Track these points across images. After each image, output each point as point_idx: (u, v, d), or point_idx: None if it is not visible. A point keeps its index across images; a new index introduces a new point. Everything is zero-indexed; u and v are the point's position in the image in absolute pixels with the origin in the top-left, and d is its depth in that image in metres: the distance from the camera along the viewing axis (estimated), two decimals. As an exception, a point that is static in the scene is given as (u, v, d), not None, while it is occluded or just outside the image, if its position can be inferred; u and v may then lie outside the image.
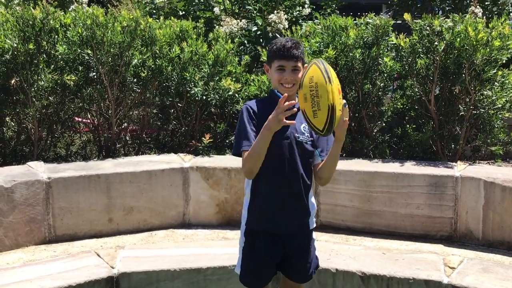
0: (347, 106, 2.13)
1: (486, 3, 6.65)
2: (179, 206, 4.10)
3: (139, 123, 4.84)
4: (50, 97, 4.26)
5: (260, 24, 5.74)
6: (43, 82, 4.14)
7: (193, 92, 4.46)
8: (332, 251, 3.44)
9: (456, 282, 3.00)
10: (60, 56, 4.21)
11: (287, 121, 2.05)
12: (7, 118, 4.57)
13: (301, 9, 6.17)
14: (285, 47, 2.26)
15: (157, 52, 4.53)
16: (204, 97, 4.46)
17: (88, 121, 4.81)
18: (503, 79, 4.20)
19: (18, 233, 3.61)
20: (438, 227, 3.84)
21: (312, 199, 2.43)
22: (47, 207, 3.71)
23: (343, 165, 4.05)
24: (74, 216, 3.79)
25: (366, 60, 4.30)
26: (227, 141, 4.79)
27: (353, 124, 4.57)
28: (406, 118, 4.64)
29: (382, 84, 4.42)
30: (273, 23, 5.40)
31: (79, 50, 4.19)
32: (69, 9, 5.15)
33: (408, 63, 4.30)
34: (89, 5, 5.21)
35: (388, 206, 3.91)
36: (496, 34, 4.03)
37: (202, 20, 5.16)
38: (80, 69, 4.32)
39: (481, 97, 4.20)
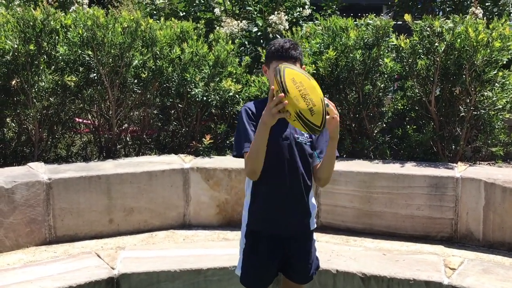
0: (330, 104, 2.14)
1: (487, 4, 6.65)
2: (180, 207, 4.10)
3: (139, 124, 4.84)
4: (50, 98, 4.27)
5: (261, 25, 5.75)
6: (43, 83, 4.14)
7: (193, 93, 4.46)
8: (333, 252, 3.44)
9: (457, 283, 3.00)
10: (60, 57, 4.22)
11: (282, 114, 2.03)
12: (8, 119, 4.58)
13: (301, 10, 6.17)
14: (284, 48, 2.27)
15: (158, 53, 4.54)
16: (205, 98, 4.47)
17: (89, 122, 4.81)
18: (504, 80, 4.20)
19: (18, 234, 3.61)
20: (438, 228, 3.84)
21: (313, 200, 2.43)
22: (47, 208, 3.71)
23: (344, 166, 4.05)
24: (75, 217, 3.80)
25: (367, 61, 4.30)
26: (227, 142, 4.79)
27: (353, 125, 4.58)
28: (407, 119, 4.63)
29: (382, 85, 4.42)
30: (273, 24, 5.40)
31: (80, 51, 4.20)
32: (70, 10, 5.16)
33: (408, 64, 4.30)
34: (89, 6, 5.22)
35: (388, 207, 3.91)
36: (496, 35, 4.03)
37: (203, 21, 5.16)
38: (80, 70, 4.32)
39: (482, 98, 4.20)
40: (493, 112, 4.25)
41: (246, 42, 5.73)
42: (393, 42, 4.32)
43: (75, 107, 4.54)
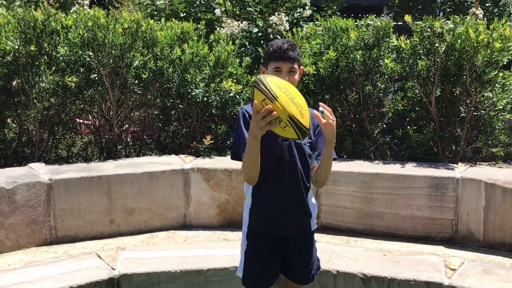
0: (325, 110, 2.15)
1: (487, 4, 6.65)
2: (180, 207, 4.10)
3: (140, 125, 4.85)
4: (51, 99, 4.27)
5: (261, 25, 5.75)
6: (44, 84, 4.15)
7: (194, 93, 4.46)
8: (333, 253, 3.44)
9: (457, 283, 3.00)
10: (61, 58, 4.22)
11: (271, 125, 2.02)
12: (9, 120, 4.58)
13: (302, 10, 6.17)
14: (282, 49, 2.27)
15: (158, 53, 4.54)
16: (205, 99, 4.47)
17: (89, 122, 4.82)
18: (504, 81, 4.20)
19: (19, 235, 3.61)
20: (439, 229, 3.84)
21: (313, 200, 2.44)
22: (48, 208, 3.72)
23: (344, 166, 4.05)
24: (75, 217, 3.80)
25: (367, 62, 4.30)
26: (228, 143, 4.79)
27: (354, 126, 4.58)
28: (407, 119, 4.64)
29: (383, 86, 4.43)
30: (274, 24, 5.40)
31: (81, 52, 4.20)
32: (71, 11, 5.17)
33: (409, 64, 4.30)
34: (90, 7, 5.23)
35: (389, 207, 3.91)
36: (497, 36, 4.03)
37: (203, 22, 5.17)
38: (81, 70, 4.32)
39: (482, 98, 4.21)
40: (493, 113, 4.25)
41: (247, 43, 5.73)
42: (393, 42, 4.32)
43: (76, 108, 4.54)
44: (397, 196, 3.88)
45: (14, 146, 4.53)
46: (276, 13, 5.50)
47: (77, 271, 3.15)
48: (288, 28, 5.38)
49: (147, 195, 3.98)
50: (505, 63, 4.16)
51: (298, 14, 6.17)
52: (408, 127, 4.45)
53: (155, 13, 6.38)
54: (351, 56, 4.29)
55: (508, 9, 6.71)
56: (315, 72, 4.36)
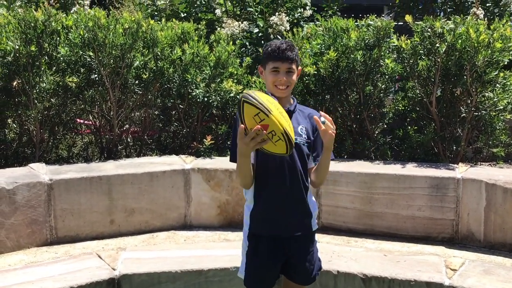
0: (326, 120, 2.18)
1: (488, 4, 6.64)
2: (181, 207, 4.10)
3: (140, 125, 4.85)
4: (52, 99, 4.27)
5: (262, 26, 5.75)
6: (45, 84, 4.15)
7: (194, 93, 4.46)
8: (334, 253, 3.44)
9: (458, 284, 3.00)
10: (62, 58, 4.22)
11: (262, 143, 2.05)
12: (9, 120, 4.59)
13: (302, 11, 6.17)
14: (280, 49, 2.28)
15: (159, 54, 4.54)
16: (206, 99, 4.47)
17: (90, 122, 4.82)
18: (505, 81, 4.19)
19: (19, 235, 3.62)
20: (439, 229, 3.83)
21: (313, 200, 2.44)
22: (48, 208, 3.72)
23: (344, 166, 4.05)
24: (76, 217, 3.80)
25: (368, 62, 4.30)
26: (228, 143, 4.78)
27: (354, 126, 4.58)
28: (408, 119, 4.63)
29: (383, 86, 4.42)
30: (274, 25, 5.40)
31: (81, 52, 4.21)
32: (71, 11, 5.17)
33: (409, 64, 4.30)
34: (91, 7, 5.23)
35: (389, 207, 3.91)
36: (497, 36, 4.03)
37: (204, 22, 5.17)
38: (82, 71, 4.32)
39: (483, 98, 4.20)
40: (494, 113, 4.25)
41: (247, 43, 5.73)
42: (394, 43, 4.32)
43: (76, 108, 4.54)
44: (397, 196, 3.88)
45: (14, 146, 4.54)
46: (277, 13, 5.51)
47: (78, 271, 3.15)
48: (288, 28, 5.38)
49: (148, 195, 3.98)
50: (505, 63, 4.15)
51: (299, 14, 6.17)
52: (409, 127, 4.45)
53: (156, 13, 6.39)
54: (352, 56, 4.29)
55: (508, 9, 6.70)
56: (316, 72, 4.36)
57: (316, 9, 6.53)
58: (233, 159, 2.31)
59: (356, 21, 4.63)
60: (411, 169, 3.97)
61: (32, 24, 4.13)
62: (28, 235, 3.65)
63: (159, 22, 4.92)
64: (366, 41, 4.36)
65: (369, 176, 3.92)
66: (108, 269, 3.19)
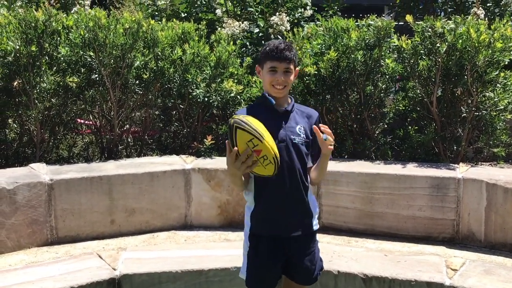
0: (327, 138, 2.22)
1: (488, 4, 6.64)
2: (181, 207, 4.10)
3: (141, 125, 4.85)
4: (52, 99, 4.27)
5: (262, 26, 5.75)
6: (45, 84, 4.15)
7: (195, 93, 4.46)
8: (334, 253, 3.43)
9: (458, 284, 3.00)
10: (62, 58, 4.23)
11: (250, 167, 2.11)
12: (10, 120, 4.59)
13: (303, 11, 6.17)
14: (278, 49, 2.28)
15: (159, 54, 4.54)
16: (206, 99, 4.47)
17: (90, 122, 4.82)
18: (505, 81, 4.19)
19: (20, 235, 3.62)
20: (440, 229, 3.83)
21: (313, 198, 2.44)
22: (49, 208, 3.72)
23: (345, 166, 4.05)
24: (76, 217, 3.80)
25: (368, 62, 4.30)
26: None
27: (355, 126, 4.58)
28: (408, 119, 4.63)
29: (384, 86, 4.42)
30: (275, 25, 5.41)
31: (82, 52, 4.21)
32: (72, 11, 5.17)
33: (410, 64, 4.30)
34: (91, 7, 5.23)
35: (390, 207, 3.91)
36: (498, 36, 4.03)
37: (204, 22, 5.17)
38: (82, 71, 4.32)
39: (483, 98, 4.20)
40: (494, 113, 4.24)
41: (248, 43, 5.74)
42: (394, 42, 4.32)
43: (77, 108, 4.55)
44: (398, 196, 3.88)
45: (15, 146, 4.54)
46: (277, 13, 5.51)
47: (78, 271, 3.15)
48: (289, 28, 5.38)
49: (148, 195, 3.98)
50: (506, 63, 4.15)
51: (299, 14, 6.18)
52: (409, 127, 4.44)
53: (156, 13, 6.39)
54: (352, 56, 4.29)
55: (509, 9, 6.69)
56: (316, 72, 4.36)
57: (316, 9, 6.53)
58: None
59: (357, 21, 4.63)
60: (412, 169, 3.97)
61: (33, 24, 4.13)
62: (29, 235, 3.65)
63: (159, 22, 4.93)
64: (367, 41, 4.36)
65: (370, 176, 3.92)
66: (108, 269, 3.19)
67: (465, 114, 4.27)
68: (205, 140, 4.46)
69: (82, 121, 4.93)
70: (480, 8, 4.93)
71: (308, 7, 6.17)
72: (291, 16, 6.04)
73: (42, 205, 3.68)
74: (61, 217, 3.76)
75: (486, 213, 3.68)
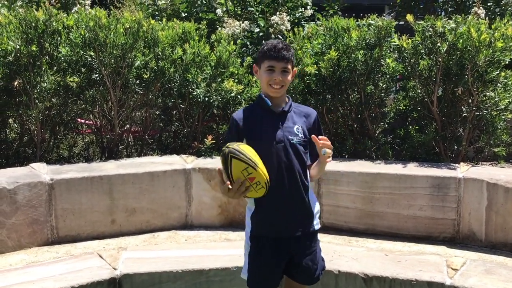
0: (325, 152, 2.26)
1: (489, 4, 6.63)
2: (182, 207, 4.10)
3: (141, 125, 4.85)
4: (53, 99, 4.27)
5: (263, 25, 5.75)
6: (45, 84, 4.15)
7: (195, 93, 4.46)
8: (335, 253, 3.43)
9: (459, 283, 3.00)
10: (62, 58, 4.22)
11: (243, 193, 2.17)
12: (10, 120, 4.59)
13: (303, 10, 6.17)
14: (276, 48, 2.28)
15: (160, 53, 4.54)
16: (207, 99, 4.47)
17: (91, 122, 4.82)
18: (506, 80, 4.19)
19: (20, 235, 3.62)
20: (441, 229, 3.83)
21: (314, 198, 2.44)
22: (49, 208, 3.72)
23: (346, 166, 4.05)
24: (77, 217, 3.80)
25: (369, 62, 4.30)
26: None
27: (355, 126, 4.58)
28: (409, 119, 4.63)
29: (384, 86, 4.42)
30: (275, 24, 5.40)
31: (82, 52, 4.21)
32: (72, 11, 5.17)
33: (410, 64, 4.29)
34: (91, 7, 5.23)
35: (390, 207, 3.90)
36: (499, 35, 4.02)
37: (205, 22, 5.16)
38: (82, 70, 4.33)
39: (484, 98, 4.19)
40: (495, 113, 4.24)
41: (248, 43, 5.73)
42: (395, 42, 4.31)
43: (77, 108, 4.55)
44: (398, 196, 3.88)
45: (15, 146, 4.54)
46: (278, 13, 5.50)
47: (79, 271, 3.15)
48: (289, 27, 5.38)
49: (149, 195, 3.98)
50: (507, 62, 4.15)
51: (300, 13, 6.18)
52: (410, 127, 4.44)
53: (157, 13, 6.39)
54: (353, 55, 4.29)
55: (510, 8, 6.68)
56: (317, 72, 4.35)
57: (317, 8, 6.53)
58: None
59: (357, 21, 4.63)
60: (412, 169, 3.97)
61: (33, 24, 4.13)
62: (29, 235, 3.65)
63: (160, 22, 4.92)
64: (367, 41, 4.36)
65: (370, 175, 3.92)
66: (109, 268, 3.19)
67: (465, 114, 4.26)
68: (205, 139, 4.46)
69: (83, 121, 4.93)
70: (481, 7, 4.92)
71: (308, 7, 6.17)
72: (291, 15, 6.04)
73: (42, 205, 3.68)
74: (61, 217, 3.76)
75: (487, 213, 3.68)
